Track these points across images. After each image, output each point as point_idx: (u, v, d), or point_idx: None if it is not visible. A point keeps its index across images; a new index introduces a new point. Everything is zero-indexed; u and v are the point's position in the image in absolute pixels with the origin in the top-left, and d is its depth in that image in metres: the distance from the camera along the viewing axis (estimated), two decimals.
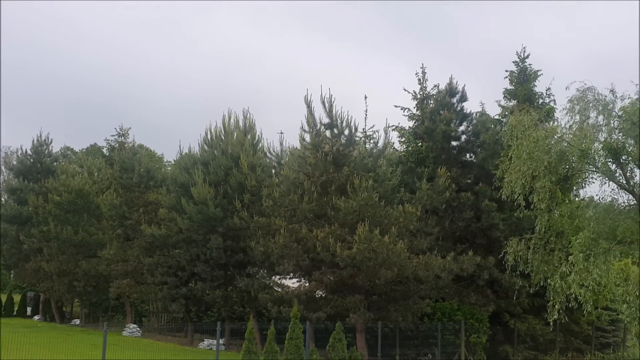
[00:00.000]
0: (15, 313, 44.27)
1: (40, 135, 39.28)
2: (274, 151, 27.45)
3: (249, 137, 28.28)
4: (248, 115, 28.95)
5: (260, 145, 28.65)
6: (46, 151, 39.29)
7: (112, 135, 46.76)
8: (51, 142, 39.56)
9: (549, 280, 18.75)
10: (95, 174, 36.31)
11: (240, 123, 28.78)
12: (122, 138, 44.16)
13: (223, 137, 28.15)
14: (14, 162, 39.71)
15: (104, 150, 48.63)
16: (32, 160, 38.72)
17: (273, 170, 26.81)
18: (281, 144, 28.76)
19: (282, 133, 31.53)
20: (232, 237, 25.37)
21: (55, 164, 38.88)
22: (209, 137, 28.50)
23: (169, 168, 42.81)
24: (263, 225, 22.32)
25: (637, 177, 18.38)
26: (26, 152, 39.00)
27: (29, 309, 44.79)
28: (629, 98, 17.83)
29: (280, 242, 20.81)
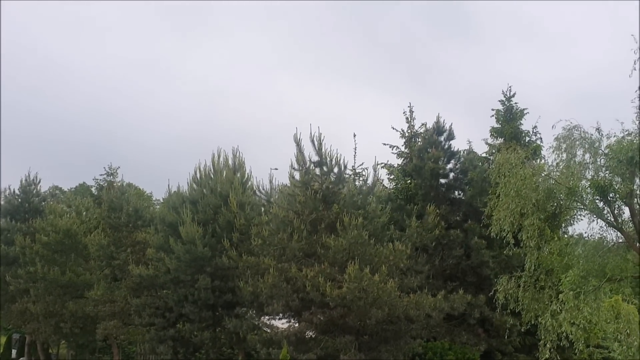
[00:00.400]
0: None
1: (29, 175, 39.07)
2: (263, 189, 27.45)
3: (238, 175, 28.26)
4: (237, 153, 29.00)
5: (249, 183, 28.60)
6: (34, 191, 38.99)
7: (101, 175, 46.61)
8: (39, 182, 39.33)
9: (539, 319, 18.66)
10: (84, 214, 36.04)
11: (230, 161, 28.79)
12: (111, 177, 44.01)
13: (212, 176, 28.09)
14: (2, 202, 39.39)
15: (93, 190, 48.40)
16: (20, 200, 38.38)
17: (262, 208, 26.71)
18: (271, 181, 28.75)
19: (276, 169, 31.41)
20: (220, 277, 25.11)
21: (43, 203, 38.55)
22: (198, 175, 28.44)
23: (158, 207, 42.61)
24: (252, 264, 22.15)
25: (625, 215, 18.50)
26: (14, 192, 38.71)
27: (14, 352, 43.89)
28: (614, 136, 18.05)
29: (270, 282, 20.62)
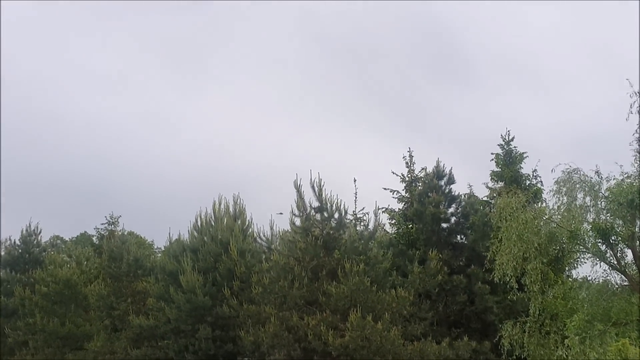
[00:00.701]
0: None
1: (30, 226, 38.97)
2: (264, 235, 27.37)
3: (238, 222, 28.22)
4: (238, 200, 29.02)
5: (250, 230, 28.55)
6: (35, 241, 38.86)
7: (102, 224, 46.47)
8: (40, 232, 39.21)
9: None
10: (84, 264, 35.81)
11: (230, 208, 28.80)
12: (112, 226, 43.90)
13: (213, 223, 28.06)
14: (2, 253, 39.24)
15: (94, 239, 48.24)
16: (20, 250, 38.24)
17: (263, 255, 26.60)
18: (271, 227, 28.70)
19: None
20: (221, 326, 24.79)
21: (43, 254, 38.38)
22: (198, 223, 28.41)
23: (159, 255, 42.40)
24: (253, 313, 21.91)
25: (628, 258, 18.39)
26: (14, 242, 38.60)
27: None
28: (614, 179, 18.12)
29: (271, 331, 20.38)
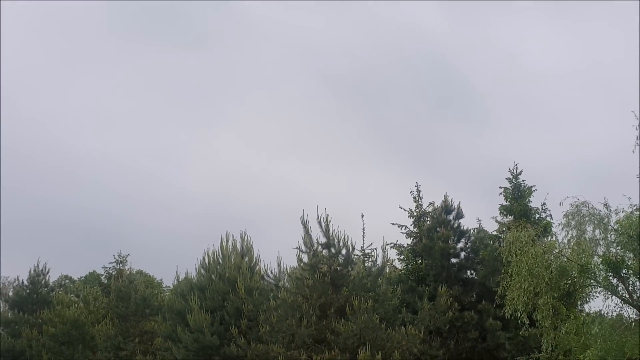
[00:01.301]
0: None
1: (37, 265, 38.93)
2: (271, 272, 27.13)
3: (246, 259, 28.07)
4: (245, 237, 28.87)
5: (257, 267, 28.35)
6: (43, 281, 38.79)
7: (110, 263, 46.37)
8: (48, 272, 39.13)
9: None
10: (92, 303, 35.69)
11: (238, 245, 28.66)
12: (121, 265, 43.82)
13: (220, 261, 27.92)
14: (10, 294, 39.16)
15: (102, 278, 48.15)
16: (28, 291, 38.17)
17: (271, 293, 26.35)
18: (279, 264, 28.52)
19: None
20: None
21: (51, 294, 38.31)
22: (206, 261, 28.27)
23: (167, 293, 42.19)
24: (261, 352, 21.58)
25: None
26: (22, 282, 38.56)
27: None
28: (623, 211, 18.05)
29: None
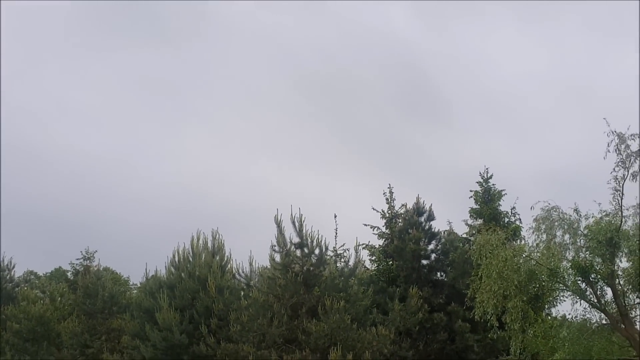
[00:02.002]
0: None
1: (3, 260, 38.15)
2: (243, 272, 26.93)
3: (217, 258, 27.81)
4: (217, 236, 28.58)
5: (229, 266, 28.11)
6: (8, 276, 37.98)
7: (78, 259, 45.61)
8: (14, 267, 38.36)
9: None
10: (58, 300, 35.02)
11: (209, 244, 28.37)
12: (88, 261, 43.10)
13: (191, 259, 27.61)
14: None
15: (69, 274, 47.33)
16: None
17: (242, 292, 26.18)
18: (251, 264, 28.36)
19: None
20: None
21: (16, 289, 37.51)
22: (176, 259, 27.91)
23: (135, 291, 41.64)
24: (230, 352, 21.42)
25: (608, 296, 18.45)
26: None
27: None
28: (592, 217, 18.32)
29: None
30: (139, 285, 44.45)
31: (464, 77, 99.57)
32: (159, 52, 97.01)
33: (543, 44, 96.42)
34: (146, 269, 29.44)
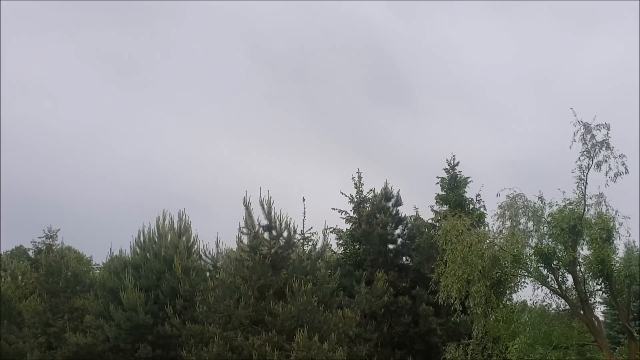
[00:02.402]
0: None
1: None
2: (209, 253, 26.85)
3: (183, 239, 27.68)
4: (183, 217, 28.44)
5: (195, 247, 28.00)
6: None
7: (40, 237, 44.85)
8: None
9: None
10: (19, 278, 34.44)
11: (175, 224, 28.20)
12: (50, 240, 42.42)
13: (156, 240, 27.43)
14: None
15: (30, 253, 46.51)
16: None
17: (208, 274, 26.11)
18: (217, 245, 28.29)
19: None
20: (162, 345, 24.11)
21: None
22: (141, 239, 27.70)
23: (97, 271, 41.15)
24: (196, 332, 21.39)
25: (569, 282, 18.90)
26: None
27: None
28: (556, 205, 18.68)
29: (214, 351, 19.93)
30: (101, 265, 43.95)
31: (430, 63, 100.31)
32: (122, 31, 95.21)
33: (511, 32, 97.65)
34: (111, 249, 29.09)
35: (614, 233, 18.05)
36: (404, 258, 27.59)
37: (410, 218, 28.31)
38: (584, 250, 18.61)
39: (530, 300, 20.06)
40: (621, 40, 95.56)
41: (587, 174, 17.89)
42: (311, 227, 24.58)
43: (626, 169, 17.29)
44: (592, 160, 17.60)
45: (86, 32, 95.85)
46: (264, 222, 22.08)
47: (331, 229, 29.00)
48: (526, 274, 19.06)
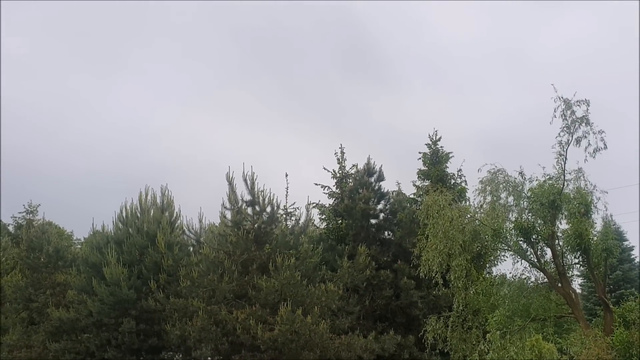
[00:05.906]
0: None
1: None
2: (192, 228, 26.88)
3: (166, 214, 27.63)
4: (166, 192, 28.37)
5: (178, 222, 28.00)
6: None
7: (20, 212, 44.54)
8: None
9: (467, 359, 18.99)
10: (0, 254, 34.21)
11: (158, 199, 28.13)
12: (31, 215, 42.13)
13: (139, 215, 27.34)
14: None
15: (10, 228, 46.17)
16: None
17: (191, 249, 26.16)
18: (200, 221, 28.28)
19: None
20: (146, 320, 24.22)
21: None
22: (123, 214, 27.61)
23: (79, 247, 40.99)
24: (180, 307, 21.50)
25: (548, 256, 19.24)
26: None
27: None
28: (536, 180, 18.93)
29: (198, 325, 20.09)
30: (82, 240, 43.74)
31: (405, 39, 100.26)
32: (92, 3, 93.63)
33: (487, 7, 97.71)
34: (93, 224, 28.98)
35: (592, 207, 18.37)
36: (386, 233, 27.81)
37: (393, 193, 28.50)
38: (563, 225, 18.95)
39: (510, 273, 20.48)
40: (594, 15, 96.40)
41: (566, 149, 18.15)
42: (294, 202, 24.75)
43: (605, 144, 17.59)
44: (572, 136, 17.85)
45: (54, 3, 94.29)
46: (247, 197, 22.14)
47: (314, 204, 29.20)
48: (506, 247, 19.37)
